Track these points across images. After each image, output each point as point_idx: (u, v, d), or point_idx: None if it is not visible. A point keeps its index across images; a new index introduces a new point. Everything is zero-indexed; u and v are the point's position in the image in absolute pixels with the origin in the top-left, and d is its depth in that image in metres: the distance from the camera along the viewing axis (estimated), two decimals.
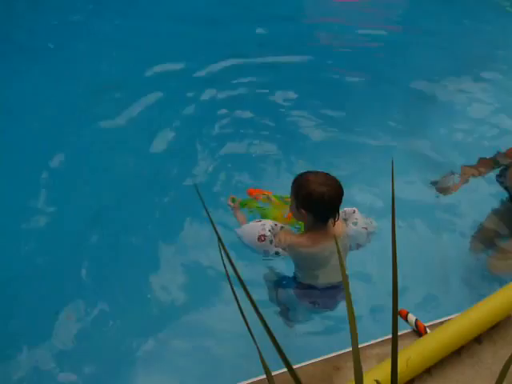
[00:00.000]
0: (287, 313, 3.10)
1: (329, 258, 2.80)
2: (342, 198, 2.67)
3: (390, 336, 2.10)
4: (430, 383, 1.88)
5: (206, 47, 5.50)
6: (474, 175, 3.64)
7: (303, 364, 2.05)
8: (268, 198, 3.12)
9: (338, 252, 1.26)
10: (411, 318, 2.12)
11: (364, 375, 1.54)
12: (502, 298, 2.08)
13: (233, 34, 5.75)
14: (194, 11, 6.20)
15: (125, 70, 5.17)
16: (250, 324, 1.12)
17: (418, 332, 2.08)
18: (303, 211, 2.69)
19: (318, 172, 2.72)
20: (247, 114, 4.73)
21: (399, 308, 2.19)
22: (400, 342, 1.99)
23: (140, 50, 5.47)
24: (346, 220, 2.90)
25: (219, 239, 1.11)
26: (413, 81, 5.14)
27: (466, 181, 3.66)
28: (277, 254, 2.80)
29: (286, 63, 5.38)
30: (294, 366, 2.01)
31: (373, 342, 2.12)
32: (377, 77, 5.20)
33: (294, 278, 2.93)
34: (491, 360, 2.00)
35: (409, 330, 2.12)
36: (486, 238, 3.55)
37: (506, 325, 2.10)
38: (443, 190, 3.67)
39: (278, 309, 3.08)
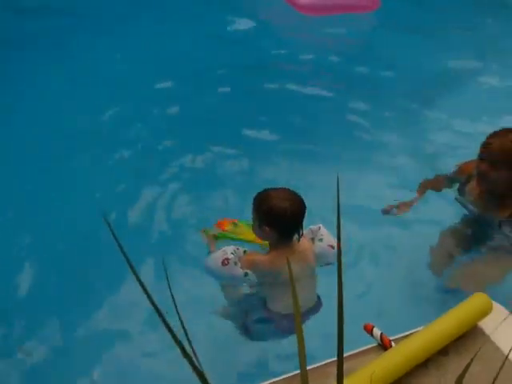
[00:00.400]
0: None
1: (298, 278, 2.78)
2: (304, 213, 2.66)
3: (354, 351, 2.07)
4: None
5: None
6: (433, 188, 3.63)
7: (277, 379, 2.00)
8: (235, 225, 3.11)
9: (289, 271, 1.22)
10: (376, 332, 2.10)
11: None
12: (466, 309, 2.07)
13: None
14: None
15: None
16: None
17: (384, 346, 2.05)
18: (266, 228, 2.67)
19: (278, 188, 2.71)
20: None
21: (366, 322, 2.17)
22: (365, 357, 1.98)
23: None
24: (313, 239, 2.88)
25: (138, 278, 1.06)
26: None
27: (423, 193, 3.65)
28: (246, 275, 2.77)
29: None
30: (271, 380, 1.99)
31: (335, 358, 2.08)
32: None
33: (268, 309, 2.85)
34: (458, 371, 1.97)
35: (374, 345, 2.10)
36: (445, 255, 3.51)
37: (472, 336, 2.09)
38: (399, 208, 3.62)
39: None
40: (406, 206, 3.58)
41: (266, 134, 4.77)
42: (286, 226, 2.68)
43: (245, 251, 2.80)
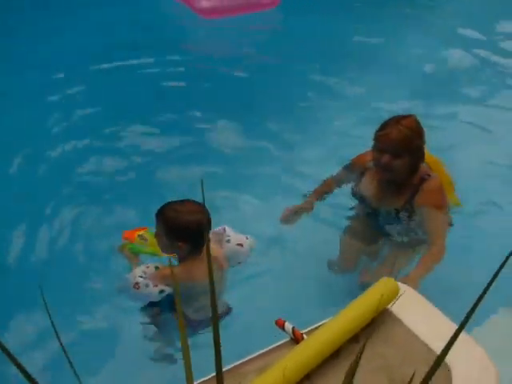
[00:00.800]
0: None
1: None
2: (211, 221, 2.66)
3: (266, 348, 2.02)
4: None
5: None
6: (325, 193, 3.59)
7: None
8: (142, 237, 2.99)
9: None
10: (288, 326, 2.06)
11: None
12: (373, 294, 2.06)
13: None
14: None
15: None
16: None
17: (296, 340, 2.00)
18: (180, 244, 2.64)
19: (182, 201, 2.69)
20: None
21: (277, 318, 2.11)
22: (278, 353, 1.93)
23: None
24: (220, 241, 2.86)
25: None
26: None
27: (315, 200, 3.55)
28: (161, 292, 2.73)
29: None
30: None
31: (252, 355, 2.02)
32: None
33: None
34: (370, 357, 1.96)
35: (287, 340, 2.05)
36: (352, 253, 3.50)
37: (381, 321, 2.08)
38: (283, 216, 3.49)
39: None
40: (294, 213, 3.51)
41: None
42: (199, 238, 2.67)
43: (156, 267, 2.74)
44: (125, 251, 3.00)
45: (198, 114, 5.06)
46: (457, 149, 4.52)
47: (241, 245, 2.83)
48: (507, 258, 0.94)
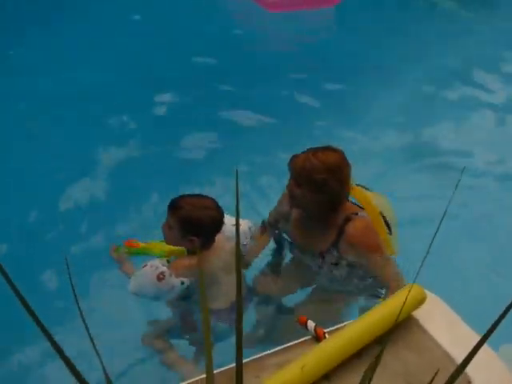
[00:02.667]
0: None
1: (225, 272, 2.79)
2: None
3: (288, 344, 2.03)
4: None
5: None
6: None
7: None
8: (147, 243, 2.99)
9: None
10: (310, 324, 2.07)
11: None
12: (400, 299, 2.05)
13: None
14: None
15: None
16: None
17: (318, 338, 2.01)
18: (194, 238, 2.63)
19: (197, 195, 2.70)
20: None
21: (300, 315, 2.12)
22: (299, 350, 1.94)
23: None
24: None
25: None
26: None
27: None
28: (183, 283, 2.69)
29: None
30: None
31: (273, 350, 2.03)
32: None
33: None
34: (393, 361, 1.96)
35: (308, 337, 2.05)
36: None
37: (407, 325, 2.07)
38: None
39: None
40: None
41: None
42: (212, 234, 2.71)
43: (168, 261, 2.74)
44: (120, 256, 2.93)
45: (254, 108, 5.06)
46: None
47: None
48: None
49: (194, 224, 2.61)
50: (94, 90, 5.06)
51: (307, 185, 2.70)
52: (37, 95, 4.99)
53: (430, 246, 1.11)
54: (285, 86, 5.40)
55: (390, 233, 2.93)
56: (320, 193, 2.70)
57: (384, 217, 2.90)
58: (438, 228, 1.06)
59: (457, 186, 1.39)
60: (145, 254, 2.94)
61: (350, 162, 2.76)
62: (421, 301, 2.06)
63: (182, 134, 4.73)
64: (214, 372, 1.89)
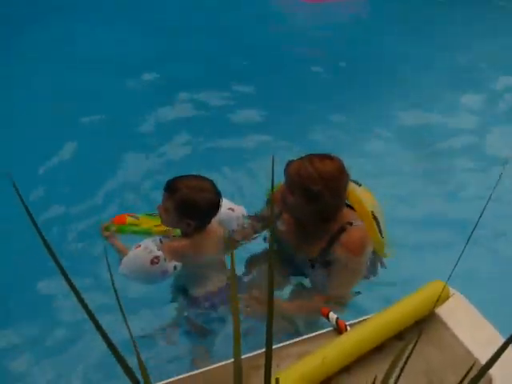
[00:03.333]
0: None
1: (216, 256, 2.76)
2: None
3: (309, 335, 2.05)
4: (348, 381, 1.83)
5: None
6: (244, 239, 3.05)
7: (220, 364, 1.95)
8: (135, 217, 2.89)
9: None
10: (332, 316, 2.08)
11: (278, 374, 1.46)
12: (423, 295, 2.05)
13: None
14: None
15: None
16: None
17: (339, 330, 2.02)
18: (188, 220, 2.56)
19: (189, 176, 2.62)
20: None
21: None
22: (320, 341, 1.95)
23: None
24: None
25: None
26: None
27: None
28: (175, 268, 2.64)
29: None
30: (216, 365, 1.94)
31: (294, 340, 2.05)
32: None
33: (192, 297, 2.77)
34: (413, 357, 1.95)
35: (330, 329, 2.07)
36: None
37: (430, 321, 2.07)
38: None
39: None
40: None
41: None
42: (208, 217, 2.64)
43: (160, 240, 2.64)
44: (109, 234, 2.78)
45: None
46: None
47: (232, 209, 2.80)
48: None
49: (191, 207, 2.53)
50: (114, 86, 5.06)
51: (300, 193, 2.59)
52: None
53: (464, 247, 1.11)
54: (319, 75, 5.41)
55: (382, 235, 2.83)
56: (313, 203, 2.58)
57: (376, 218, 2.80)
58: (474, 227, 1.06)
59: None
60: (134, 231, 2.83)
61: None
62: (444, 298, 2.05)
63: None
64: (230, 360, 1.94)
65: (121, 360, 0.87)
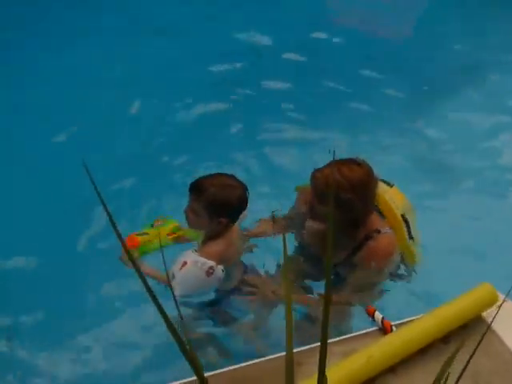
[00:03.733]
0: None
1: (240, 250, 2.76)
2: None
3: (354, 333, 2.05)
4: (393, 382, 1.82)
5: None
6: (257, 236, 3.03)
7: (264, 359, 1.97)
8: (144, 233, 2.78)
9: None
10: (378, 316, 2.07)
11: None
12: (470, 298, 2.04)
13: None
14: None
15: None
16: None
17: (384, 330, 2.02)
18: (221, 220, 2.54)
19: (215, 175, 2.59)
20: None
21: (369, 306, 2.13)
22: (365, 340, 1.95)
23: None
24: None
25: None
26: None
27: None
28: (223, 270, 2.63)
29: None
30: (258, 360, 1.96)
31: (339, 338, 2.05)
32: None
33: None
34: (457, 360, 1.94)
35: (375, 328, 2.06)
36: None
37: (476, 325, 2.04)
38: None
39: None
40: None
41: None
42: (240, 212, 2.61)
43: (195, 250, 2.61)
44: (130, 261, 2.67)
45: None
46: None
47: None
48: None
49: (222, 205, 2.49)
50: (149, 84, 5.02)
51: (330, 202, 2.43)
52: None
53: None
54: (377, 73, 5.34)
55: (411, 237, 2.79)
56: (344, 211, 2.49)
57: (406, 219, 2.75)
58: None
59: None
60: (154, 248, 2.73)
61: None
62: (492, 301, 2.02)
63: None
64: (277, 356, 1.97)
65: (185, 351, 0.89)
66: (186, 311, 2.76)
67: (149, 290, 0.88)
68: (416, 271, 2.88)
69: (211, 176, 2.56)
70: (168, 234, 2.78)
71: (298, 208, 2.94)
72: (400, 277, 2.87)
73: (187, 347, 0.88)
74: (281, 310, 2.76)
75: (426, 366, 1.85)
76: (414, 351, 1.87)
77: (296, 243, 2.97)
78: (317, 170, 2.58)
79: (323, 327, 0.90)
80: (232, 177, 2.58)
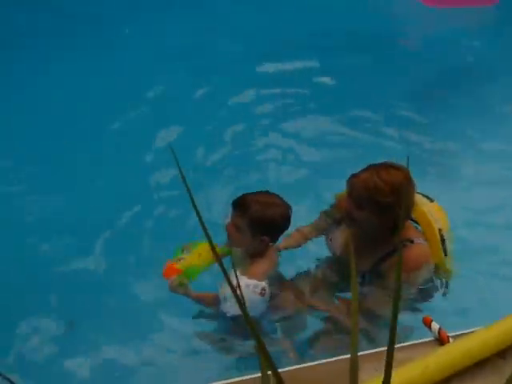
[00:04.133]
0: None
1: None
2: None
3: (410, 342, 2.06)
4: None
5: None
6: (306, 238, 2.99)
7: (319, 362, 2.01)
8: (180, 258, 2.76)
9: None
10: (435, 326, 2.06)
11: (378, 378, 1.49)
12: None
13: None
14: None
15: None
16: None
17: (441, 341, 2.02)
18: (265, 238, 2.54)
19: (260, 193, 2.59)
20: None
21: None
22: (420, 350, 1.95)
23: None
24: None
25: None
26: None
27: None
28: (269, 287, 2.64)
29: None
30: (312, 363, 2.00)
31: (396, 346, 2.06)
32: None
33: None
34: None
35: (431, 339, 2.06)
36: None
37: None
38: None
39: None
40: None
41: None
42: (283, 230, 2.63)
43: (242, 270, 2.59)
44: (180, 287, 2.69)
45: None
46: None
47: None
48: None
49: (267, 223, 2.49)
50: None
51: (370, 207, 2.50)
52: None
53: None
54: (434, 82, 5.27)
55: (446, 254, 2.72)
56: (383, 216, 2.49)
57: (442, 236, 2.69)
58: None
59: None
60: (198, 270, 2.73)
61: None
62: None
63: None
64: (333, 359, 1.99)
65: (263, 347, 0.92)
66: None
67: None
68: (449, 285, 2.81)
69: (255, 193, 2.57)
70: (200, 255, 2.73)
71: (333, 214, 2.91)
72: (430, 292, 2.81)
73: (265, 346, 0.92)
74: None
75: (482, 379, 1.85)
76: (470, 364, 1.87)
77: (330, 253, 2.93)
78: (353, 176, 2.55)
79: (391, 334, 0.92)
80: (275, 195, 2.59)
